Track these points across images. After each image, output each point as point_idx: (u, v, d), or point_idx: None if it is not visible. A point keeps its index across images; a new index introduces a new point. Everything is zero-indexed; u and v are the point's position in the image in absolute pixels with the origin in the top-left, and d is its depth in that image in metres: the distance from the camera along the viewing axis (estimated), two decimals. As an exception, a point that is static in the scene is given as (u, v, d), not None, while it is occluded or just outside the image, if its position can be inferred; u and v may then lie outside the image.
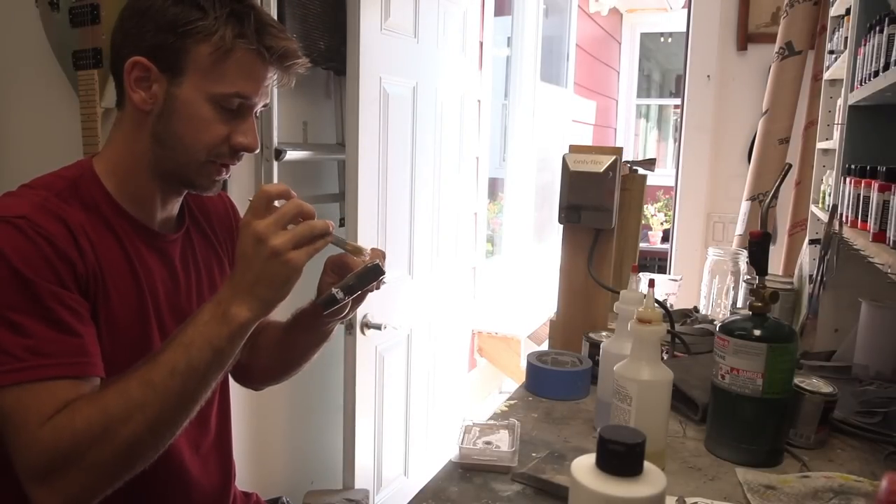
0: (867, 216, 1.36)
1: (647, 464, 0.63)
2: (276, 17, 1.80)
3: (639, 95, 6.95)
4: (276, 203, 0.84)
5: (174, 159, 0.92)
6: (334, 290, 0.91)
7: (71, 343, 0.82)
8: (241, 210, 1.19)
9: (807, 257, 2.03)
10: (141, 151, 0.93)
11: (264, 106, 0.96)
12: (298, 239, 0.81)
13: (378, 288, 0.96)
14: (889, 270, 1.19)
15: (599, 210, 1.50)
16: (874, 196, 1.31)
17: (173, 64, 0.89)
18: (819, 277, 1.65)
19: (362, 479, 2.18)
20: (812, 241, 2.12)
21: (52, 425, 0.78)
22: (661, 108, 7.46)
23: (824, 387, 1.13)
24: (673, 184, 3.46)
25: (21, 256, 0.80)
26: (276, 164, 1.88)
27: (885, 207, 1.27)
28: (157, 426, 0.81)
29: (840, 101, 1.93)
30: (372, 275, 0.92)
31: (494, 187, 4.26)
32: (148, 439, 0.81)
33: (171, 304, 0.98)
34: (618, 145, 1.65)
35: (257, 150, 0.96)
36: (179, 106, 0.90)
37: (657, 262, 4.95)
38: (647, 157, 3.02)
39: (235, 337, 0.82)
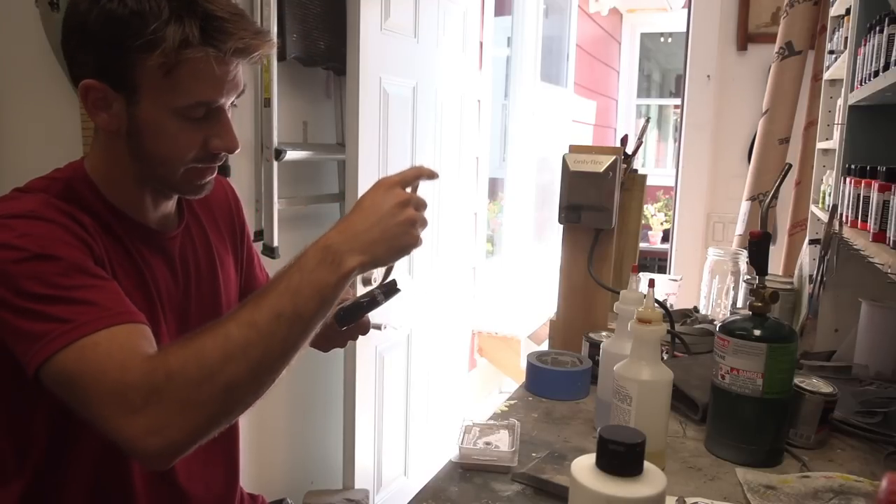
0: (867, 216, 1.36)
1: (647, 464, 0.64)
2: (276, 18, 1.80)
3: (639, 95, 6.94)
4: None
5: (155, 172, 0.90)
6: (372, 295, 0.92)
7: (114, 298, 0.79)
8: (242, 199, 1.19)
9: (807, 257, 2.03)
10: (123, 165, 0.89)
11: (238, 96, 0.90)
12: (424, 222, 0.86)
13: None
14: (889, 270, 1.19)
15: (599, 210, 1.50)
16: (874, 196, 1.31)
17: (125, 82, 0.82)
18: (819, 277, 1.65)
19: (362, 479, 2.18)
20: (812, 241, 2.12)
21: (142, 363, 0.74)
22: (661, 108, 7.45)
23: (824, 387, 1.13)
24: (673, 184, 3.46)
25: (39, 242, 0.77)
26: (275, 164, 1.87)
27: (885, 207, 1.27)
28: (259, 371, 0.77)
29: (840, 101, 1.93)
30: (392, 293, 0.94)
31: (494, 187, 4.26)
32: (248, 383, 0.77)
33: (172, 300, 0.97)
34: (618, 145, 1.65)
35: (238, 150, 0.91)
36: (144, 125, 0.85)
37: (657, 262, 4.94)
38: (647, 157, 2.99)
39: (339, 287, 0.79)
